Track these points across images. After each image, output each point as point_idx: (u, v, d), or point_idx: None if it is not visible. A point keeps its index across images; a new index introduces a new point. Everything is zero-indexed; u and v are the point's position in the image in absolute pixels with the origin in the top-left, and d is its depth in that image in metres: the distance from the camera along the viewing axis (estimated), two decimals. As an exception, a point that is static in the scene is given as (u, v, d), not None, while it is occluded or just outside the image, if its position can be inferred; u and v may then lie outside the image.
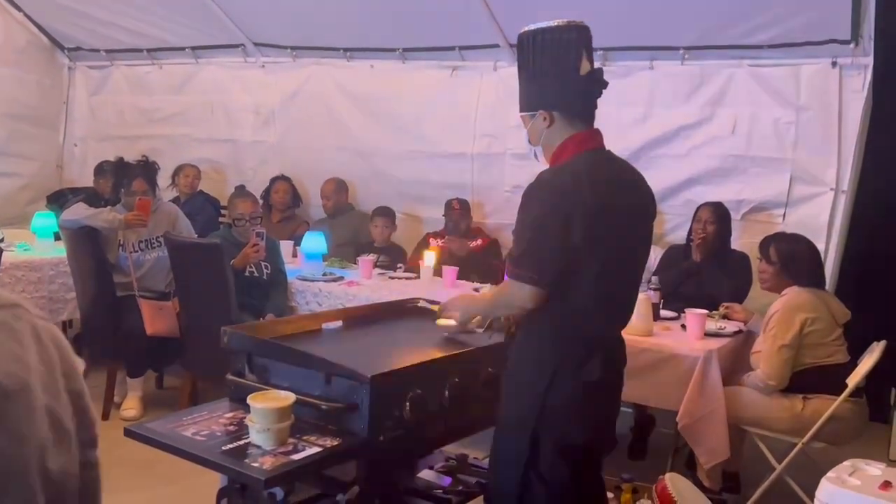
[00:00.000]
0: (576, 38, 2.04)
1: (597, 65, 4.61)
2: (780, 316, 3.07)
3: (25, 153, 6.16)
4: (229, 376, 2.19)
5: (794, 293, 3.13)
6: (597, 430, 2.08)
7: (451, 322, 2.40)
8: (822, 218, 4.08)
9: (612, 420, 2.20)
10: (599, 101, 4.78)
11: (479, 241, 4.79)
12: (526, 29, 2.10)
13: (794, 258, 3.21)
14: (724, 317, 3.50)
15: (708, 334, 3.25)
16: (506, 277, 3.58)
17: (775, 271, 3.23)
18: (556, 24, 2.06)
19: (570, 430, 2.00)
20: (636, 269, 2.19)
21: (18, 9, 5.96)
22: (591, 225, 1.93)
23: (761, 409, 3.12)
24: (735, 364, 3.33)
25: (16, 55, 6.03)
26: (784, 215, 4.22)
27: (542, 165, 2.15)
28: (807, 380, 3.07)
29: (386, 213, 4.93)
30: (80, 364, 0.78)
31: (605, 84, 2.08)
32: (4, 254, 3.75)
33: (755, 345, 3.23)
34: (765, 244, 3.32)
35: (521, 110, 2.13)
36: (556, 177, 2.01)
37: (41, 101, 6.27)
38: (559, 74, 2.03)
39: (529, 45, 2.07)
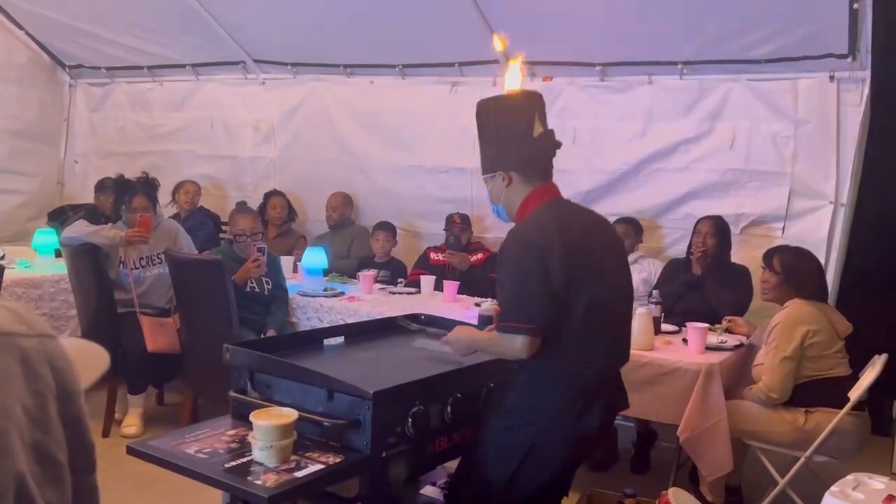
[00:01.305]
0: (528, 105, 2.18)
1: (595, 80, 4.69)
2: (782, 328, 3.07)
3: (26, 170, 6.17)
4: (231, 393, 2.19)
5: (795, 305, 3.13)
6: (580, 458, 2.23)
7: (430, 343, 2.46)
8: (821, 231, 4.09)
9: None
10: (599, 116, 4.82)
11: (480, 256, 4.79)
12: (483, 98, 2.28)
13: (797, 270, 3.22)
14: (727, 330, 3.50)
15: (709, 348, 3.25)
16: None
17: (778, 282, 3.24)
18: (507, 93, 2.26)
19: (554, 466, 2.12)
20: (624, 304, 2.25)
21: (20, 27, 6.00)
22: (568, 267, 2.02)
23: (763, 422, 3.11)
24: (737, 378, 3.33)
25: (17, 73, 6.06)
26: (783, 229, 4.23)
27: (505, 224, 2.28)
28: (808, 393, 3.07)
29: (387, 228, 4.94)
30: (98, 367, 0.77)
31: (558, 144, 2.20)
32: (6, 271, 3.74)
33: (756, 358, 3.23)
34: (769, 255, 3.34)
35: (483, 173, 2.27)
36: (526, 228, 2.12)
37: (42, 118, 6.29)
38: (514, 138, 2.17)
39: (486, 112, 2.24)
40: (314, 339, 2.59)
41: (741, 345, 3.40)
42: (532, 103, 2.19)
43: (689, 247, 4.04)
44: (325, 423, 1.98)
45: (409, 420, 2.07)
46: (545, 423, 2.07)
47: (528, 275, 2.04)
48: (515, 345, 2.04)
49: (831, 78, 4.02)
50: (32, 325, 0.65)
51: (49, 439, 0.63)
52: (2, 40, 5.94)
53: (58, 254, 4.58)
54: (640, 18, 4.16)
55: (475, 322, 2.98)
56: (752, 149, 4.29)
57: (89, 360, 0.79)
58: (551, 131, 2.20)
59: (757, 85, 4.22)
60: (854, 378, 3.07)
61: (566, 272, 2.01)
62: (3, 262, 4.24)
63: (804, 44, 3.94)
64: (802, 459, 3.00)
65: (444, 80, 5.08)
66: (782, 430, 3.07)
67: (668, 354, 3.19)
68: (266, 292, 4.09)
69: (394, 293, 4.32)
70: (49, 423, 0.63)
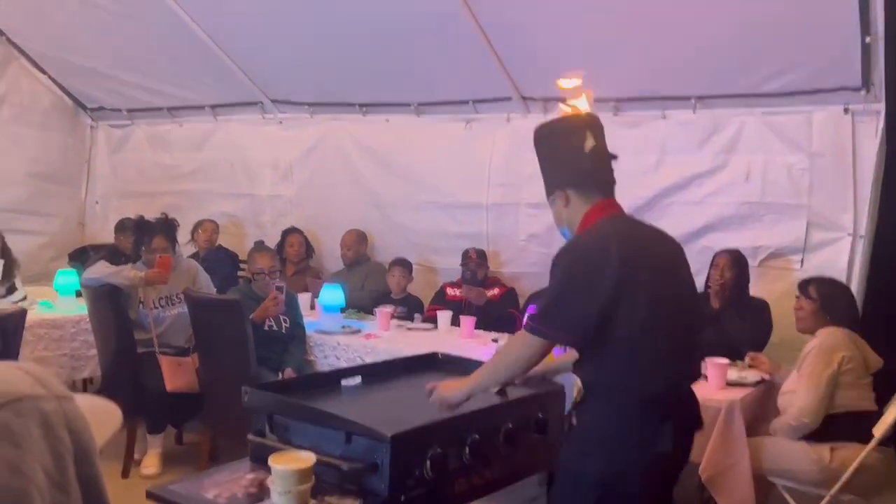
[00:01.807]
0: (579, 121, 2.19)
1: (609, 115, 4.71)
2: (818, 352, 3.06)
3: (48, 211, 6.29)
4: (250, 436, 2.19)
5: (830, 332, 3.13)
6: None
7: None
8: (840, 263, 4.07)
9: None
10: (616, 150, 4.83)
11: (497, 290, 4.80)
12: (538, 125, 2.28)
13: (833, 298, 3.23)
14: (749, 367, 3.47)
15: (730, 384, 3.22)
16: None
17: (814, 310, 3.23)
18: (561, 115, 2.27)
19: (633, 491, 2.03)
20: (687, 318, 2.17)
21: (43, 72, 6.15)
22: (620, 280, 1.96)
23: (788, 460, 3.07)
24: (759, 414, 3.29)
25: (40, 116, 6.20)
26: (802, 261, 4.20)
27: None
28: (836, 426, 3.02)
29: (403, 264, 4.97)
30: (111, 424, 0.78)
31: (612, 156, 2.18)
32: (27, 312, 3.78)
33: (785, 385, 3.19)
34: (804, 284, 3.35)
35: (546, 196, 2.24)
36: (580, 239, 2.11)
37: (64, 160, 6.42)
38: (566, 155, 2.16)
39: (540, 136, 2.23)
40: (332, 379, 2.59)
41: (762, 380, 3.37)
42: (584, 120, 2.19)
43: (707, 280, 4.02)
44: (344, 467, 1.97)
45: (428, 463, 2.06)
46: (614, 448, 2.00)
47: (572, 283, 2.02)
48: (526, 344, 2.04)
49: (846, 110, 4.02)
50: (51, 387, 0.67)
51: (68, 500, 0.64)
52: (26, 85, 6.08)
53: (78, 294, 4.62)
54: (653, 54, 4.19)
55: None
56: (767, 181, 4.29)
57: (102, 419, 0.80)
58: (605, 147, 2.17)
59: (771, 118, 4.23)
60: (879, 415, 3.03)
61: (618, 286, 1.96)
62: (24, 304, 4.29)
63: (817, 77, 3.95)
64: (828, 497, 2.95)
65: (459, 117, 5.14)
66: (808, 468, 3.02)
67: (689, 391, 3.16)
68: (284, 330, 4.11)
69: (411, 329, 4.32)
70: (68, 484, 0.64)
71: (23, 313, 3.31)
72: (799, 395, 3.05)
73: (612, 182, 2.18)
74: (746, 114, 4.31)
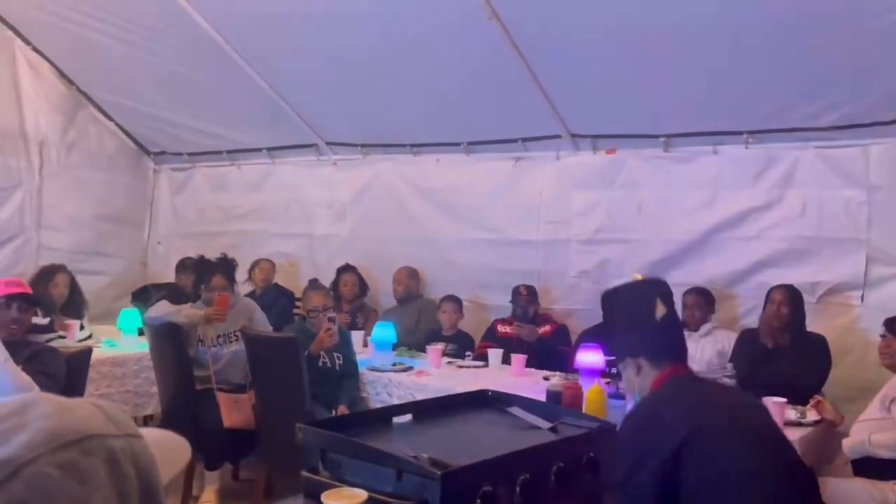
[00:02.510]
0: (648, 288, 2.27)
1: (660, 151, 4.71)
2: None
3: (112, 252, 6.51)
4: (304, 473, 2.23)
5: None
6: None
7: None
8: (903, 298, 3.96)
9: None
10: (665, 186, 4.84)
11: (548, 327, 4.79)
12: (607, 289, 2.37)
13: None
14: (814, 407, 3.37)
15: (788, 423, 3.14)
16: (575, 366, 3.56)
17: None
18: (631, 280, 2.38)
19: None
20: (775, 456, 2.08)
21: (110, 118, 6.42)
22: (680, 442, 1.97)
23: (850, 498, 2.97)
24: (818, 455, 3.20)
25: (106, 161, 6.46)
26: (862, 296, 4.11)
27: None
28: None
29: (454, 300, 5.01)
30: (181, 458, 0.82)
31: (683, 325, 2.27)
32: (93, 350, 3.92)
33: (864, 414, 3.12)
34: (891, 321, 3.30)
35: (616, 362, 2.33)
36: (643, 408, 2.15)
37: (128, 203, 6.66)
38: (637, 323, 2.20)
39: (609, 302, 2.29)
40: (383, 416, 2.62)
41: (822, 420, 3.28)
42: (653, 286, 2.26)
43: (762, 317, 3.94)
44: (395, 504, 1.99)
45: (479, 501, 2.06)
46: None
47: (636, 460, 2.06)
48: None
49: (903, 143, 3.95)
50: (121, 425, 0.69)
51: None
52: (93, 131, 6.36)
53: (141, 332, 4.77)
54: (703, 89, 4.19)
55: (542, 396, 2.97)
56: (824, 216, 4.22)
57: (171, 453, 0.83)
58: (675, 313, 2.23)
59: (826, 152, 4.18)
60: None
61: (677, 459, 1.97)
62: (91, 342, 4.45)
63: (873, 110, 3.90)
64: (894, 541, 2.85)
65: (508, 155, 5.19)
66: (870, 509, 2.93)
67: (745, 430, 3.09)
68: (338, 367, 4.17)
69: (462, 367, 4.34)
70: None
71: (88, 351, 3.44)
72: (889, 427, 2.98)
73: (684, 348, 2.22)
74: (801, 148, 4.27)
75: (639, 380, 2.17)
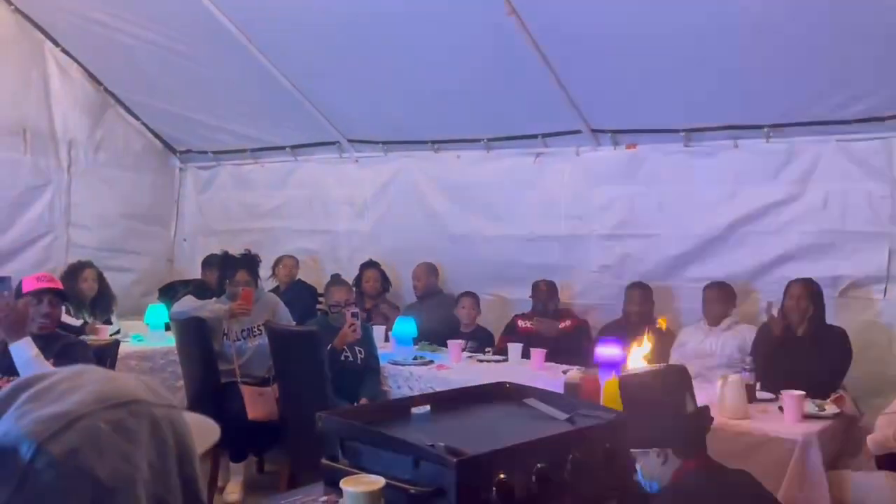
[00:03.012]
0: (678, 383, 2.26)
1: (680, 146, 4.70)
2: None
3: (139, 249, 6.63)
4: (323, 460, 2.28)
5: None
6: None
7: None
8: (927, 293, 3.93)
9: None
10: (686, 181, 4.83)
11: (569, 322, 4.80)
12: (626, 373, 2.41)
13: None
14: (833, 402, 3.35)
15: (808, 416, 3.14)
16: (595, 359, 3.60)
17: None
18: (656, 368, 2.39)
19: None
20: None
21: (136, 118, 6.54)
22: None
23: (871, 492, 2.96)
24: (838, 448, 3.19)
25: (133, 159, 6.58)
26: (885, 290, 4.08)
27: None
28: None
29: (472, 296, 5.04)
30: (210, 437, 0.88)
31: (711, 420, 2.26)
32: (120, 344, 4.01)
33: (891, 406, 3.10)
34: None
35: (632, 447, 2.31)
36: (663, 498, 2.21)
37: (154, 201, 6.77)
38: (668, 416, 2.22)
39: (632, 388, 2.31)
40: (402, 407, 2.67)
41: (841, 412, 3.27)
42: (681, 381, 2.28)
43: (781, 310, 3.92)
44: (412, 491, 2.03)
45: (494, 489, 2.10)
46: None
47: None
48: None
49: (926, 135, 3.92)
50: (161, 397, 0.76)
51: (168, 495, 0.72)
52: (120, 130, 6.47)
53: (167, 328, 4.87)
54: (724, 83, 4.18)
55: (560, 390, 2.99)
56: (846, 210, 4.19)
57: (203, 431, 0.89)
58: (705, 407, 2.27)
59: (848, 146, 4.15)
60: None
61: None
62: (119, 337, 4.55)
63: (894, 103, 3.87)
64: (915, 535, 2.84)
65: (528, 151, 5.21)
66: (892, 500, 2.91)
67: (763, 424, 3.10)
68: (360, 361, 4.23)
69: (481, 361, 4.37)
70: (169, 480, 0.73)
71: (116, 344, 3.53)
72: None
73: (704, 439, 2.25)
74: (822, 141, 4.24)
75: (662, 469, 2.22)
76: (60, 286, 2.94)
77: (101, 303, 5.15)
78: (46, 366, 2.64)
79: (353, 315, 4.14)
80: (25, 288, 2.85)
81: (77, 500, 0.64)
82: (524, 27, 4.15)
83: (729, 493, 2.20)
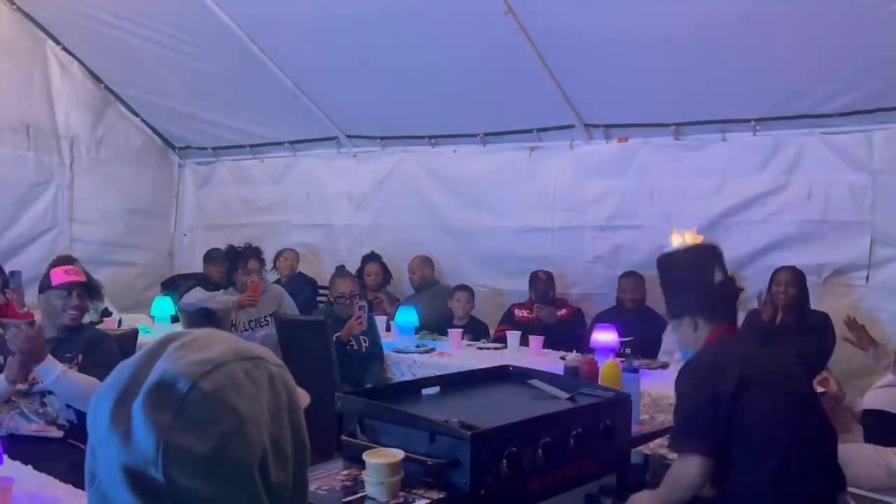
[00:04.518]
0: (707, 256, 2.48)
1: (670, 139, 4.85)
2: None
3: (141, 244, 6.74)
4: (343, 437, 2.42)
5: None
6: None
7: None
8: (906, 279, 4.11)
9: None
10: (675, 174, 4.97)
11: (565, 311, 4.96)
12: (663, 252, 2.62)
13: None
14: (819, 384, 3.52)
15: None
16: (591, 345, 3.74)
17: None
18: (684, 247, 2.58)
19: None
20: (810, 422, 2.37)
21: (136, 114, 6.63)
22: (736, 393, 2.24)
23: (851, 464, 3.12)
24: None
25: (134, 156, 6.68)
26: (867, 277, 4.26)
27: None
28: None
29: (466, 289, 5.16)
30: (304, 400, 1.03)
31: (739, 290, 2.51)
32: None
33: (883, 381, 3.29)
34: None
35: (670, 317, 2.59)
36: (696, 359, 2.41)
37: (155, 196, 6.88)
38: (698, 287, 2.45)
39: (667, 266, 2.56)
40: (413, 388, 2.82)
41: (824, 393, 3.44)
42: (712, 252, 2.49)
43: (766, 296, 4.09)
44: (429, 463, 2.19)
45: (504, 461, 2.25)
46: None
47: (698, 400, 2.29)
48: (690, 469, 2.26)
49: (905, 128, 4.09)
50: (274, 359, 0.91)
51: (281, 435, 0.87)
52: (121, 127, 6.57)
53: (174, 320, 4.98)
54: (712, 78, 4.34)
55: (560, 373, 3.15)
56: (830, 200, 4.36)
57: (301, 394, 1.06)
58: (732, 278, 2.50)
59: (831, 138, 4.32)
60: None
61: (734, 398, 2.23)
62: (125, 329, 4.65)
63: (876, 97, 4.04)
64: (895, 505, 3.01)
65: (523, 145, 5.35)
66: (874, 473, 3.06)
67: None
68: (364, 349, 4.37)
69: (482, 349, 4.52)
70: (282, 424, 0.87)
71: (135, 333, 3.65)
72: None
73: (735, 311, 2.52)
74: (806, 135, 4.41)
75: (694, 336, 2.44)
76: (84, 279, 3.03)
77: (94, 294, 5.19)
78: (75, 377, 2.70)
79: (361, 308, 4.28)
80: (55, 281, 2.94)
81: (221, 425, 0.79)
82: (520, 25, 4.29)
83: (752, 360, 2.39)
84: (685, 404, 2.34)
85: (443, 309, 5.30)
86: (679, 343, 2.54)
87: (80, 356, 2.85)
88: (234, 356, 0.83)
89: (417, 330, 4.84)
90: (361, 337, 4.36)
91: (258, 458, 0.81)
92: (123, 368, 0.84)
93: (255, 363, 0.85)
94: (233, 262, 4.54)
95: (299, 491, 0.91)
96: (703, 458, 2.24)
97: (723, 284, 2.45)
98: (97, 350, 2.90)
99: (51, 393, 2.75)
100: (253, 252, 4.50)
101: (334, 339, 4.10)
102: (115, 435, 0.78)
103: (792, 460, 2.26)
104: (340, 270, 4.80)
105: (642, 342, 4.19)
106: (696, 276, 2.45)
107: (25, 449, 2.49)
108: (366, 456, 2.11)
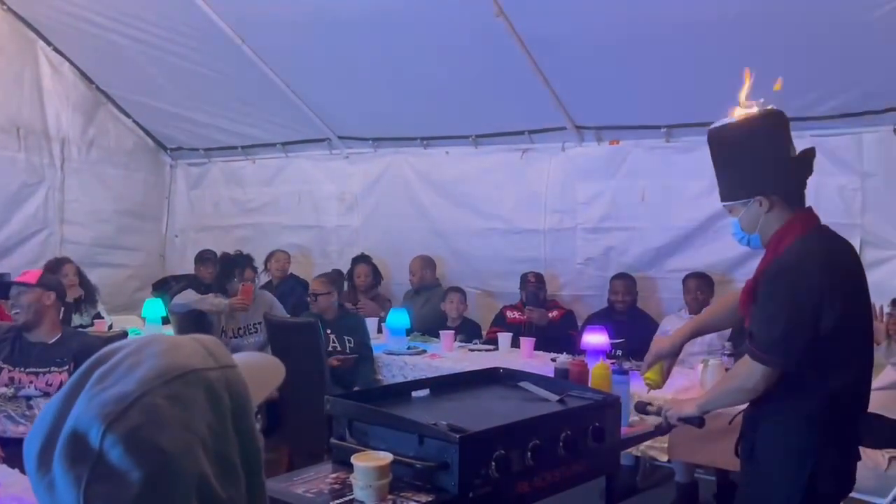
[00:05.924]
0: (781, 124, 2.15)
1: (661, 141, 4.85)
2: None
3: (132, 245, 6.72)
4: (332, 440, 2.42)
5: None
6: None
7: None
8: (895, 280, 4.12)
9: None
10: (667, 175, 4.98)
11: (556, 313, 4.97)
12: (718, 124, 2.25)
13: None
14: None
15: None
16: (581, 346, 3.73)
17: None
18: (747, 116, 2.19)
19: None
20: (870, 342, 2.16)
21: (128, 115, 6.61)
22: (842, 308, 1.97)
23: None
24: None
25: (125, 157, 6.66)
26: (857, 279, 4.26)
27: (753, 253, 2.31)
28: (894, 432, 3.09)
29: (458, 291, 5.17)
30: (277, 376, 0.98)
31: (812, 169, 2.16)
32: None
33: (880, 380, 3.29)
34: None
35: (727, 199, 2.23)
36: (802, 263, 2.03)
37: (146, 197, 6.86)
38: (773, 159, 2.11)
39: (727, 137, 2.20)
40: (403, 391, 2.82)
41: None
42: (782, 123, 2.15)
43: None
44: (418, 465, 2.18)
45: (493, 464, 2.25)
46: (809, 471, 2.04)
47: (798, 313, 1.97)
48: (755, 375, 2.02)
49: (895, 131, 4.11)
50: (219, 358, 0.85)
51: (227, 448, 0.82)
52: (112, 129, 6.55)
53: (164, 321, 4.97)
54: (702, 80, 4.35)
55: (551, 375, 3.15)
56: (819, 202, 4.26)
57: (264, 376, 0.99)
58: (811, 149, 2.14)
59: (820, 141, 4.32)
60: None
61: (840, 313, 1.95)
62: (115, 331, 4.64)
63: (865, 100, 4.06)
64: (884, 506, 3.02)
65: (515, 147, 5.36)
66: (862, 475, 3.08)
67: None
68: (348, 350, 4.35)
69: (473, 350, 4.52)
70: (227, 436, 0.82)
71: (124, 334, 3.64)
72: None
73: (805, 190, 2.16)
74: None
75: (766, 217, 2.08)
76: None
77: (88, 298, 5.20)
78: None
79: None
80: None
81: (145, 469, 0.73)
82: (511, 28, 4.30)
83: (846, 252, 2.12)
84: (780, 317, 1.98)
85: (438, 311, 5.30)
86: (739, 225, 2.14)
87: (72, 363, 2.85)
88: (157, 381, 0.77)
89: (409, 331, 4.84)
90: (345, 337, 4.36)
91: (193, 486, 0.76)
92: (49, 408, 0.80)
93: (185, 380, 0.79)
94: (225, 270, 4.52)
95: (256, 498, 0.87)
96: (775, 372, 1.99)
97: (801, 159, 2.09)
98: (88, 352, 2.89)
99: (37, 397, 2.74)
100: (248, 261, 4.50)
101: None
102: (42, 485, 0.76)
103: (867, 377, 2.07)
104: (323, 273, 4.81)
105: (633, 344, 4.19)
106: (770, 146, 2.07)
107: (12, 452, 2.48)
108: (354, 459, 2.10)
